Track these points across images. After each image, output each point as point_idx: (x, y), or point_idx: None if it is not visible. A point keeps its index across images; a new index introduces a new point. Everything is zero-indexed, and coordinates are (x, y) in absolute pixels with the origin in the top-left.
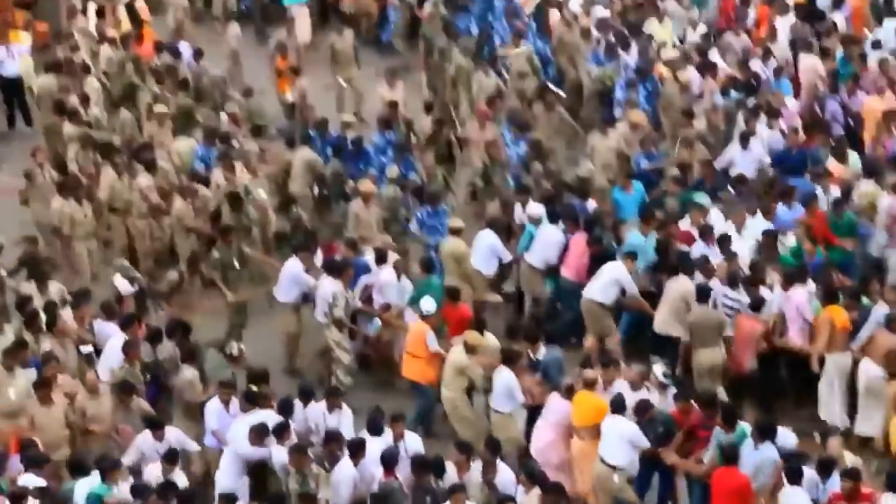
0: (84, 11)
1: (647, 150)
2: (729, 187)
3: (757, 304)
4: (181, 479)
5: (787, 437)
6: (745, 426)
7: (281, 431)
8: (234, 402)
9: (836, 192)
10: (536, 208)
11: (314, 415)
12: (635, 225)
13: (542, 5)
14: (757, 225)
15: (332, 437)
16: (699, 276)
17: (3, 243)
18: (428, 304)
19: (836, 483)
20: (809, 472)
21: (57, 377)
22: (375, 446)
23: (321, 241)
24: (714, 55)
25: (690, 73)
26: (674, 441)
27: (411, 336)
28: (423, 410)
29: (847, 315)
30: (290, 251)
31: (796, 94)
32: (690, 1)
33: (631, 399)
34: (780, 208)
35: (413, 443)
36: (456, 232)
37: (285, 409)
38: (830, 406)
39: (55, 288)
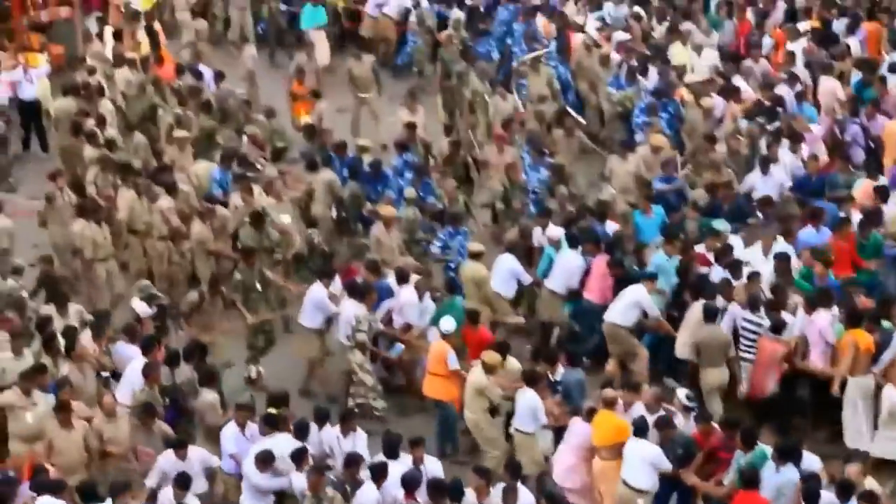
0: (101, 35)
1: (668, 173)
2: (757, 212)
3: (778, 327)
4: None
5: (811, 461)
6: (765, 448)
7: (300, 457)
8: (251, 426)
9: (857, 216)
10: (556, 231)
11: (328, 438)
12: (659, 246)
13: (563, 30)
14: (782, 248)
15: (353, 461)
16: (720, 300)
17: (23, 265)
18: (447, 323)
19: None
20: (828, 496)
21: (71, 404)
22: (394, 470)
23: (339, 265)
24: (737, 80)
25: (714, 98)
26: (694, 462)
27: (432, 355)
28: (445, 426)
29: (871, 338)
30: (308, 274)
31: None
32: (708, 25)
33: (649, 421)
34: (807, 231)
35: (433, 467)
36: (476, 256)
37: (301, 431)
38: (856, 430)
39: (74, 309)
